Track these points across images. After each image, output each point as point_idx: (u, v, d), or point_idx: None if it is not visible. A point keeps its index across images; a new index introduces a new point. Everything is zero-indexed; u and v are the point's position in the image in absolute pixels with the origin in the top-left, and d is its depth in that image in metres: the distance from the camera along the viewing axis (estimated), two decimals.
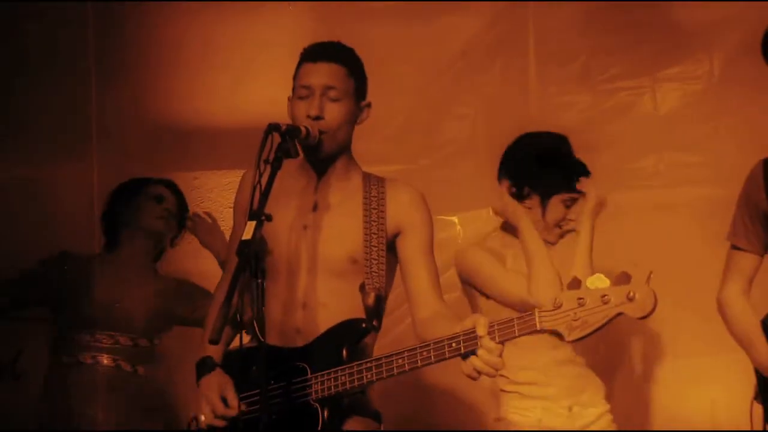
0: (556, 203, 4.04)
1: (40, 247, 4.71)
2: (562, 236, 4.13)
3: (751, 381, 3.69)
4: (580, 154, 4.57)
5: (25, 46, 5.17)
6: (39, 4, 5.15)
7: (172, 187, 4.59)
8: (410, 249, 3.29)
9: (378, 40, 4.98)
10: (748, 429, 3.65)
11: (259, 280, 2.89)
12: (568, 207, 4.07)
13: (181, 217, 4.54)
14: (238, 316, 2.87)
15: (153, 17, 5.30)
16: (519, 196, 4.09)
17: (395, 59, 5.06)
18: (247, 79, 4.92)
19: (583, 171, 4.11)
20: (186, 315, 4.40)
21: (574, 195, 4.05)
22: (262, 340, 2.86)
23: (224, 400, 3.08)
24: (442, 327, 3.04)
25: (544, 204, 4.06)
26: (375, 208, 3.29)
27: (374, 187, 3.31)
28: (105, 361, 4.31)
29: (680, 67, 5.14)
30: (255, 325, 2.90)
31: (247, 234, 2.84)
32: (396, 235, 3.28)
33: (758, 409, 3.63)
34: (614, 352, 5.14)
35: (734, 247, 3.70)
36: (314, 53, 3.22)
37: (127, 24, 5.30)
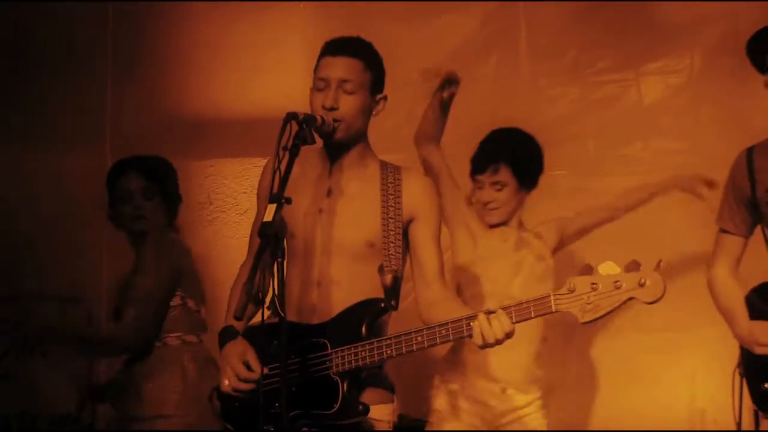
0: (473, 187, 4.25)
1: (56, 233, 4.98)
2: (491, 215, 4.19)
3: (730, 354, 3.82)
4: (571, 143, 4.95)
5: (45, 43, 5.30)
6: (60, 3, 5.32)
7: (143, 166, 4.31)
8: (421, 235, 3.37)
9: (381, 38, 4.83)
10: (727, 398, 3.78)
11: (280, 260, 2.96)
12: (480, 188, 4.20)
13: (165, 192, 4.27)
14: (260, 294, 2.94)
15: (168, 16, 5.44)
16: (473, 178, 4.26)
17: (397, 55, 4.88)
18: (257, 74, 4.98)
19: (484, 163, 4.19)
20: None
21: (479, 177, 4.19)
22: (283, 315, 2.94)
23: (247, 365, 3.15)
24: (451, 308, 3.18)
25: (480, 186, 4.24)
26: (392, 194, 3.36)
27: (391, 174, 3.38)
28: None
29: (663, 62, 5.30)
30: (276, 302, 2.97)
31: (268, 216, 2.92)
32: (410, 221, 3.37)
33: (739, 377, 3.75)
34: (592, 329, 5.18)
35: (722, 230, 3.79)
36: (333, 47, 3.30)
37: (144, 22, 5.43)
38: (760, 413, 3.68)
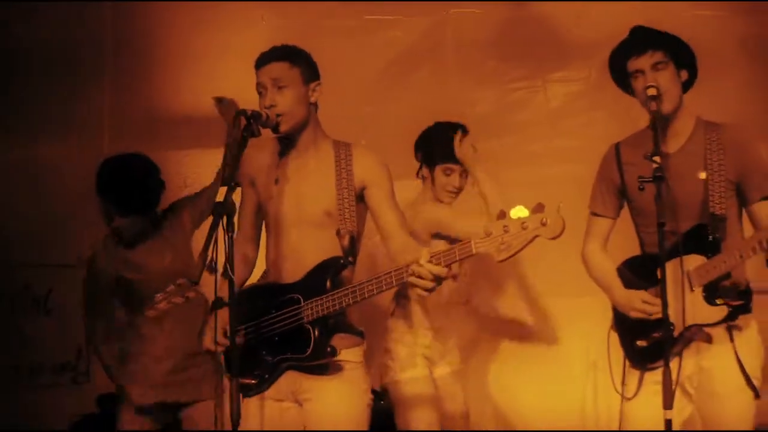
0: (439, 172, 4.47)
1: (53, 220, 5.20)
2: (450, 196, 4.48)
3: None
4: (489, 140, 5.08)
5: (43, 42, 5.49)
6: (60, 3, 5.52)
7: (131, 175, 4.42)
8: (376, 198, 3.54)
9: (336, 49, 5.41)
10: (614, 353, 3.83)
11: (230, 233, 3.12)
12: (447, 175, 4.47)
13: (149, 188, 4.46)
14: (213, 262, 3.11)
15: (163, 17, 5.66)
16: (421, 167, 4.52)
17: (349, 63, 5.56)
18: (221, 74, 5.14)
19: (451, 155, 4.46)
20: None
21: (450, 165, 4.44)
22: (232, 278, 3.14)
23: (224, 333, 3.36)
24: (414, 254, 3.26)
25: (432, 173, 4.49)
26: (344, 168, 3.53)
27: (342, 150, 3.56)
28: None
29: (565, 72, 5.79)
30: (228, 267, 3.13)
31: (220, 197, 3.10)
32: (363, 189, 3.54)
33: (614, 336, 3.86)
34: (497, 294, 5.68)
35: (593, 213, 3.93)
36: (261, 60, 3.51)
37: (141, 22, 5.64)
38: (627, 364, 3.78)
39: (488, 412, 5.44)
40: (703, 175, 3.63)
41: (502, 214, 2.99)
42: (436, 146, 4.48)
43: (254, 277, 3.72)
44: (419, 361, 4.42)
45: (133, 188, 4.38)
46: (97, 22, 5.58)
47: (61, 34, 5.50)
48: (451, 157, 4.42)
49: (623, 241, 3.88)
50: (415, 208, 4.42)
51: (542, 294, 5.59)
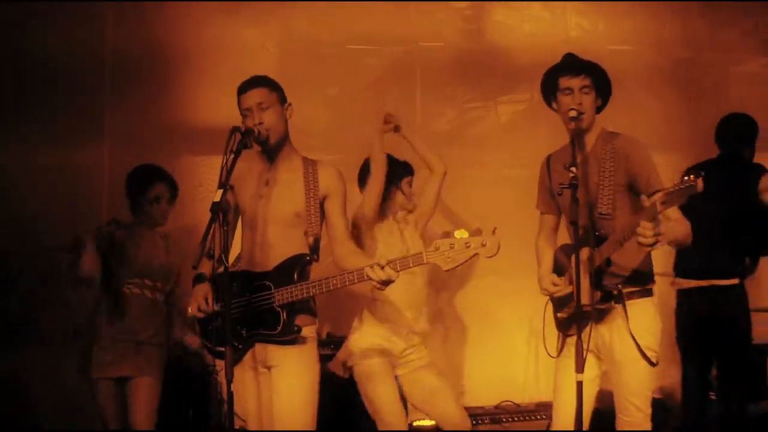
0: (405, 185, 4.67)
1: (59, 224, 5.27)
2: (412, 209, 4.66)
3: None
4: (451, 149, 5.47)
5: (47, 46, 5.59)
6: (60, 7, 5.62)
7: (163, 176, 4.73)
8: (333, 207, 3.75)
9: (321, 73, 5.98)
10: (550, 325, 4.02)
11: (225, 228, 3.32)
12: (410, 186, 4.69)
13: (174, 195, 4.77)
14: (211, 250, 3.28)
15: (166, 19, 5.86)
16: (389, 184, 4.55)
17: (331, 85, 6.11)
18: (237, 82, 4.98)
19: (409, 169, 4.68)
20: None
21: (410, 178, 4.68)
22: (227, 266, 3.34)
23: (206, 301, 3.61)
24: (357, 260, 3.58)
25: (400, 187, 4.64)
26: (311, 180, 3.73)
27: (310, 166, 3.77)
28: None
29: (512, 95, 6.30)
30: (222, 257, 3.33)
31: (217, 198, 3.27)
32: (325, 197, 3.74)
33: (550, 306, 4.07)
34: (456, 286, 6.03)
35: (541, 212, 4.18)
36: (243, 87, 3.71)
37: (141, 26, 5.82)
38: (561, 335, 4.01)
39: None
40: (596, 179, 3.78)
41: (448, 234, 3.28)
42: (397, 167, 4.61)
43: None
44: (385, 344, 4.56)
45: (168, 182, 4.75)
46: (97, 33, 5.74)
47: (62, 43, 5.59)
48: (410, 170, 4.70)
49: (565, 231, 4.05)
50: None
51: (503, 276, 5.79)
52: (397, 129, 4.70)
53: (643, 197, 3.45)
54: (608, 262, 3.74)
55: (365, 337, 4.55)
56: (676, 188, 3.22)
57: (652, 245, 3.43)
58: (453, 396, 4.70)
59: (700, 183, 3.17)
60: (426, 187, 4.77)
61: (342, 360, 4.67)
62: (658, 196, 3.30)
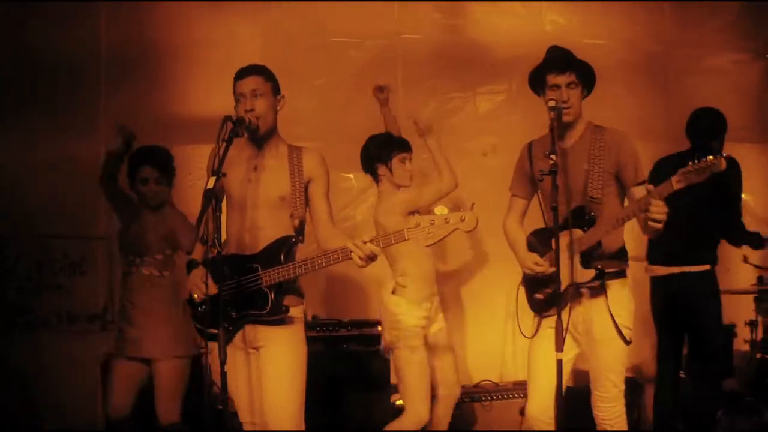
0: (396, 163, 4.73)
1: (56, 215, 5.48)
2: (408, 179, 4.73)
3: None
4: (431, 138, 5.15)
5: (42, 42, 5.69)
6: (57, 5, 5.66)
7: (149, 158, 4.66)
8: (315, 192, 3.79)
9: (307, 64, 6.08)
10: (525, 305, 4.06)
11: (218, 214, 3.40)
12: (403, 162, 4.73)
13: (163, 176, 4.71)
14: (205, 236, 3.45)
15: (159, 16, 5.90)
16: (376, 170, 4.70)
17: (317, 76, 6.20)
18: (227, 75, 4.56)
19: (405, 144, 4.74)
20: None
21: (404, 154, 4.73)
22: (220, 250, 3.44)
23: (205, 285, 3.63)
24: (339, 240, 3.56)
25: (390, 167, 4.71)
26: (296, 165, 3.77)
27: (295, 152, 3.81)
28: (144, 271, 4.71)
29: (491, 85, 6.45)
30: (216, 242, 3.40)
31: (210, 185, 3.32)
32: (309, 182, 3.77)
33: (522, 290, 4.15)
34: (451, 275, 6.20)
35: (512, 194, 4.25)
36: (240, 73, 3.74)
37: (135, 22, 5.88)
38: (536, 316, 4.08)
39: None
40: (585, 166, 3.94)
41: (428, 211, 3.32)
42: (387, 145, 4.74)
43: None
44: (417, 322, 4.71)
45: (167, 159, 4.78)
46: (92, 27, 5.81)
47: (57, 38, 5.66)
48: (406, 146, 4.78)
49: (535, 216, 4.22)
50: (388, 201, 4.66)
51: (480, 260, 6.09)
52: (386, 101, 4.95)
53: (644, 186, 3.76)
54: (599, 243, 3.88)
55: (407, 318, 4.68)
56: (700, 166, 3.49)
57: (662, 222, 3.62)
58: (456, 365, 4.92)
59: (722, 162, 3.47)
60: (429, 188, 4.79)
61: (388, 344, 4.79)
62: (678, 175, 3.56)
